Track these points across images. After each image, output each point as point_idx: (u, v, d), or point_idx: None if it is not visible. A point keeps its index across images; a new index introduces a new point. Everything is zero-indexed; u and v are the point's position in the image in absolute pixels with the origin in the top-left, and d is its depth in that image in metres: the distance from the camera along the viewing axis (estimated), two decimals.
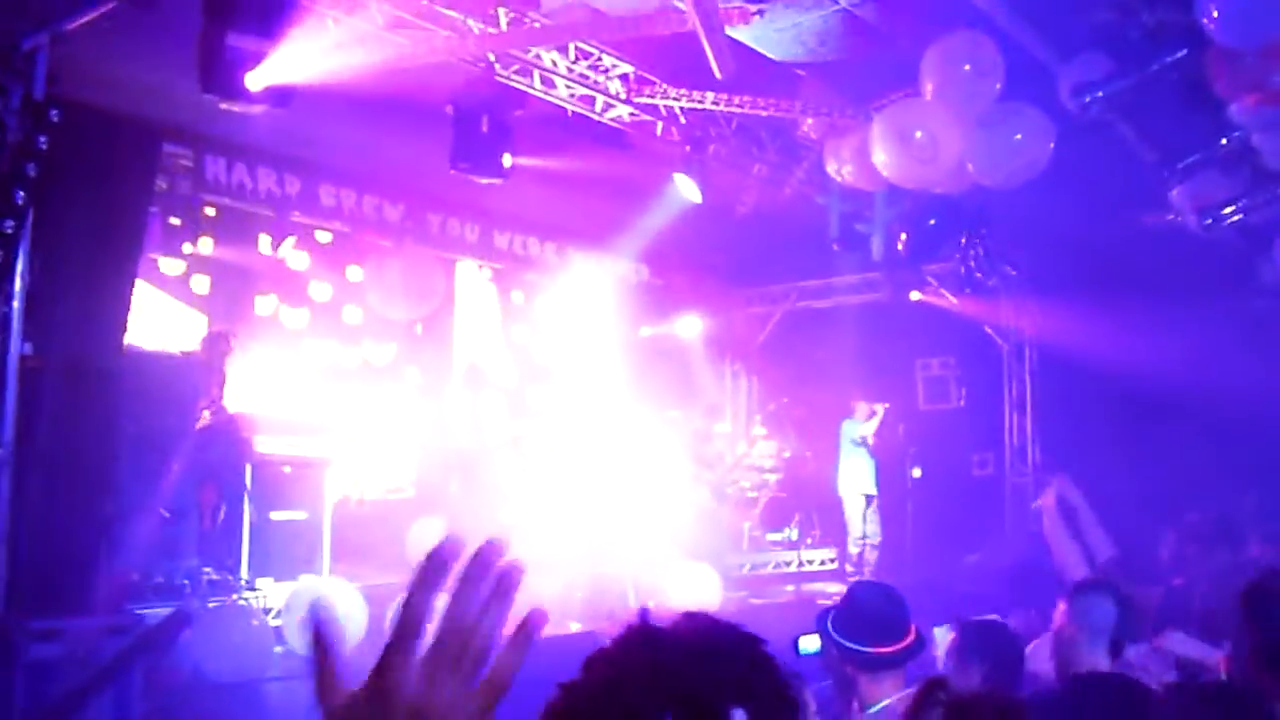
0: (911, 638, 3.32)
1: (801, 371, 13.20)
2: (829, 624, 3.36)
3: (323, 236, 10.65)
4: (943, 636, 3.71)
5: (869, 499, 11.38)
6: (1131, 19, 6.72)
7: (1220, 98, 7.27)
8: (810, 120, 8.64)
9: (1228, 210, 8.70)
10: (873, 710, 3.25)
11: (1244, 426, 10.01)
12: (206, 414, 8.37)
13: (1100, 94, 6.89)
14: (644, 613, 1.24)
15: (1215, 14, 6.06)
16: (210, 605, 7.08)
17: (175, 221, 9.12)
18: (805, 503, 12.29)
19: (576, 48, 7.77)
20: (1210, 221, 8.78)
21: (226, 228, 9.91)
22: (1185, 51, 6.56)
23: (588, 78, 8.06)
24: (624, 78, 8.25)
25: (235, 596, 7.50)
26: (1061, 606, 3.53)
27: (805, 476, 12.49)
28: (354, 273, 10.98)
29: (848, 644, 3.28)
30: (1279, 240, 9.67)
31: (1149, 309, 10.40)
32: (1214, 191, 8.64)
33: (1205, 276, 10.41)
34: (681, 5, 6.19)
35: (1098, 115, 7.40)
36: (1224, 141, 7.85)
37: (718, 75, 6.46)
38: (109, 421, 7.04)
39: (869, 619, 3.34)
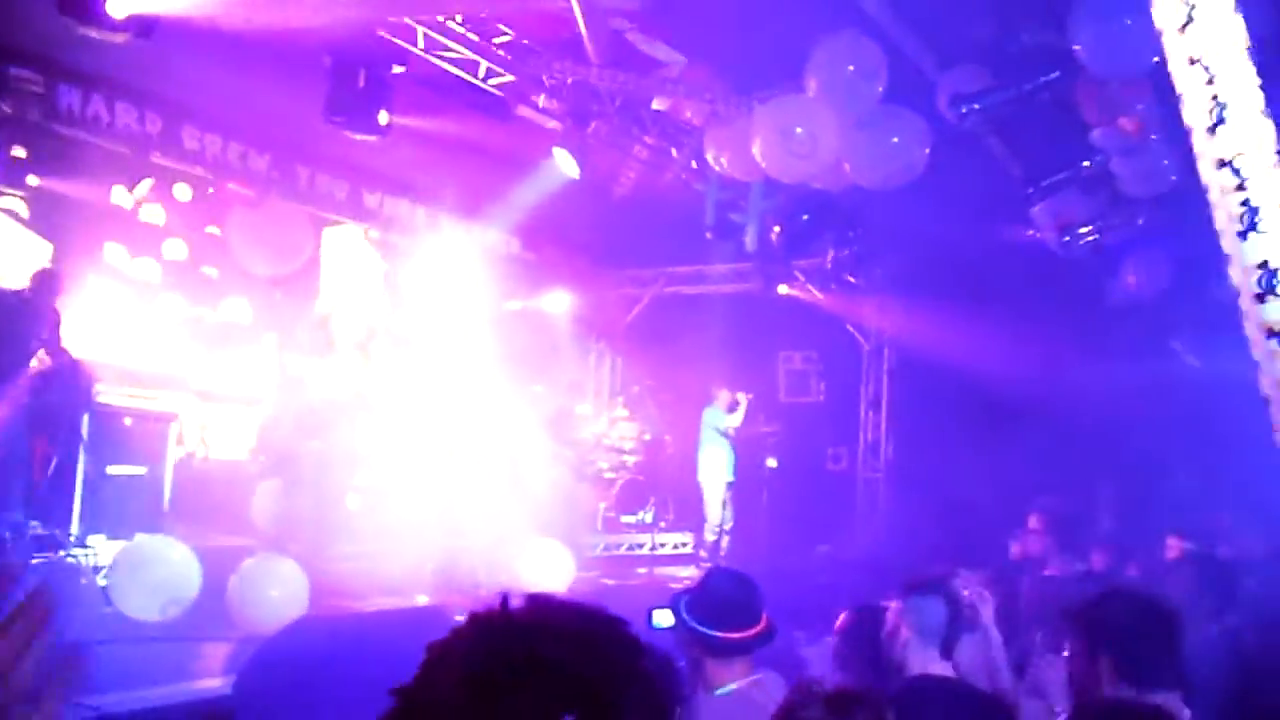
0: (762, 625, 3.35)
1: (666, 356, 13.25)
2: (682, 607, 3.38)
3: (182, 192, 10.11)
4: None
5: (728, 486, 11.50)
6: (1011, 36, 6.90)
7: (1086, 122, 7.55)
8: (692, 107, 8.63)
9: (1084, 230, 9.09)
10: (719, 693, 3.27)
11: (1086, 432, 10.49)
12: (41, 354, 7.87)
13: (976, 106, 7.06)
14: (504, 599, 1.18)
15: (1086, 42, 6.27)
16: (35, 562, 6.69)
17: (20, 151, 8.56)
18: (662, 486, 12.36)
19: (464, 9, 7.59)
20: (1068, 239, 9.16)
21: (76, 163, 9.35)
22: (1058, 74, 6.77)
23: (473, 41, 7.87)
24: (509, 45, 8.09)
25: (63, 553, 7.10)
26: (894, 606, 3.59)
27: (663, 460, 12.57)
28: (213, 230, 10.48)
29: (699, 627, 3.30)
30: (1126, 262, 10.15)
31: (1004, 318, 10.77)
32: (1074, 211, 9.01)
33: (1058, 290, 10.84)
34: None
35: (972, 127, 7.61)
36: (1086, 164, 8.17)
37: (592, 59, 6.43)
38: None
39: (721, 604, 3.36)
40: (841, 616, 3.88)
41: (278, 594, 6.68)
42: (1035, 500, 8.05)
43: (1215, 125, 4.34)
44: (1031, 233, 9.58)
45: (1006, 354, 10.62)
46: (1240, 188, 4.30)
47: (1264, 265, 4.22)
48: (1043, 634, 5.00)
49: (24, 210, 9.05)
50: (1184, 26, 4.30)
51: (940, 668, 3.40)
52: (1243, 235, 4.24)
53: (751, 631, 3.31)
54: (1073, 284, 10.67)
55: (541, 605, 1.19)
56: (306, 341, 10.23)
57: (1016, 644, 5.35)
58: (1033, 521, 7.83)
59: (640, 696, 1.15)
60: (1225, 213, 4.32)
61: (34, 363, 7.74)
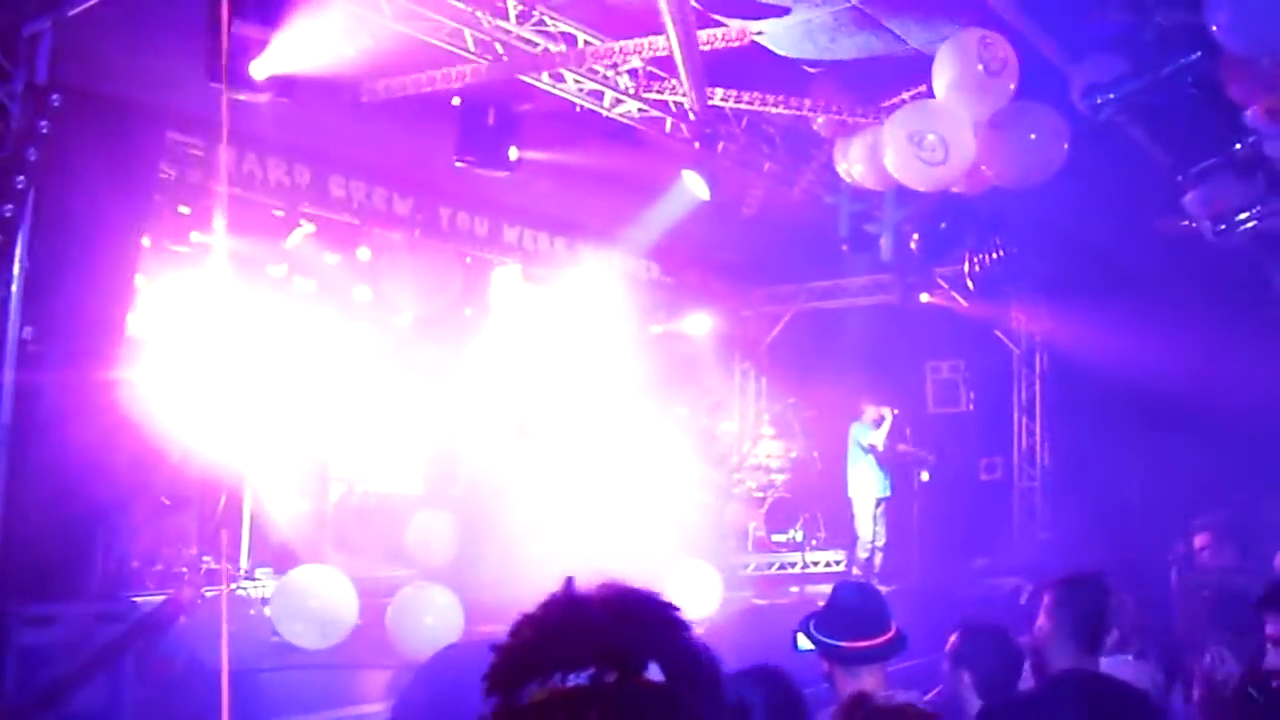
0: (890, 635, 3.38)
1: (810, 372, 13.13)
2: (811, 623, 3.39)
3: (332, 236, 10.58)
4: None
5: (879, 501, 11.30)
6: (1144, 20, 6.63)
7: (1234, 102, 7.19)
8: (820, 119, 8.57)
9: (1242, 216, 8.60)
10: None
11: (1253, 434, 9.93)
12: None
13: (1112, 95, 6.81)
14: (568, 580, 1.27)
15: (1222, 20, 5.97)
16: (208, 594, 7.07)
17: (184, 209, 9.12)
18: (811, 504, 12.24)
19: (586, 41, 7.72)
20: (1224, 228, 8.69)
21: (236, 217, 9.89)
22: (1198, 55, 6.47)
23: (597, 72, 8.01)
24: (633, 73, 8.20)
25: (233, 586, 7.50)
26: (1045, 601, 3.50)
27: (812, 477, 12.46)
28: (364, 253, 10.91)
29: (825, 639, 3.36)
30: None
31: (1160, 314, 10.31)
32: (1228, 197, 8.55)
33: (1217, 283, 10.33)
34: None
35: (1110, 117, 7.33)
36: (1238, 147, 7.77)
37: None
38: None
39: (845, 615, 3.43)
40: (952, 638, 3.77)
41: (432, 621, 6.88)
42: (1197, 519, 7.67)
43: None
44: (1185, 223, 9.13)
45: (1164, 352, 10.15)
46: None
47: None
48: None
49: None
50: None
51: (1086, 663, 3.29)
52: None
53: (876, 640, 3.34)
54: (1232, 275, 10.15)
55: (595, 587, 1.27)
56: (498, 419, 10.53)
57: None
58: (1199, 540, 7.44)
59: (671, 665, 1.21)
60: None
61: None
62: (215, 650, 6.28)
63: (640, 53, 7.51)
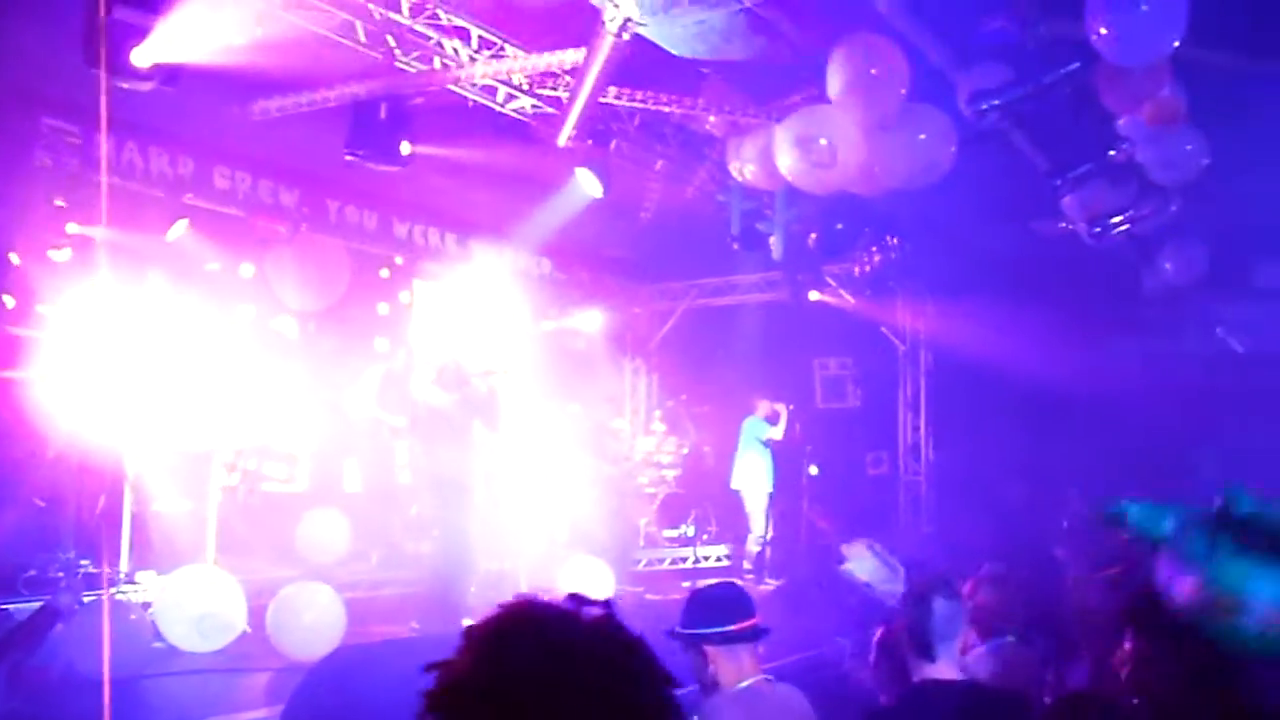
0: (757, 618, 3.48)
1: (701, 368, 13.27)
2: (677, 626, 3.47)
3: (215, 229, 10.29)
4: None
5: (768, 495, 11.46)
6: (1028, 30, 6.86)
7: (1109, 110, 7.49)
8: (713, 118, 8.64)
9: (1115, 220, 8.99)
10: (738, 688, 3.36)
11: (1128, 427, 10.36)
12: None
13: (996, 102, 7.03)
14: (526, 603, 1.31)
15: (1103, 31, 6.22)
16: (86, 599, 6.81)
17: (60, 201, 8.76)
18: (702, 499, 12.35)
19: (480, 37, 7.65)
20: (1099, 230, 9.07)
21: (116, 208, 9.55)
22: (1078, 65, 6.72)
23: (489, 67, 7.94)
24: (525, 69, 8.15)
25: (113, 590, 7.24)
26: None
27: (703, 473, 12.57)
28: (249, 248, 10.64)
29: (699, 630, 3.42)
30: (1162, 250, 10.04)
31: (1041, 313, 10.69)
32: (1103, 202, 8.92)
33: (1094, 283, 10.75)
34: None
35: (994, 123, 7.56)
36: (1112, 154, 8.09)
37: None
38: None
39: (716, 605, 3.51)
40: (879, 631, 3.89)
41: (312, 619, 6.76)
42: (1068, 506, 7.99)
43: None
44: (1063, 225, 9.49)
45: (1045, 349, 10.54)
46: None
47: None
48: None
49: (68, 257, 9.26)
50: None
51: (933, 670, 3.37)
52: None
53: (752, 622, 3.44)
54: (1108, 275, 10.58)
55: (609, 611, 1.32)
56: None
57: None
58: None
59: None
60: None
61: None
62: (93, 657, 6.09)
63: (549, 69, 7.54)
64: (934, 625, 3.37)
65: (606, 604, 1.31)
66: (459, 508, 7.83)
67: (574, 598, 1.32)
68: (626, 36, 6.35)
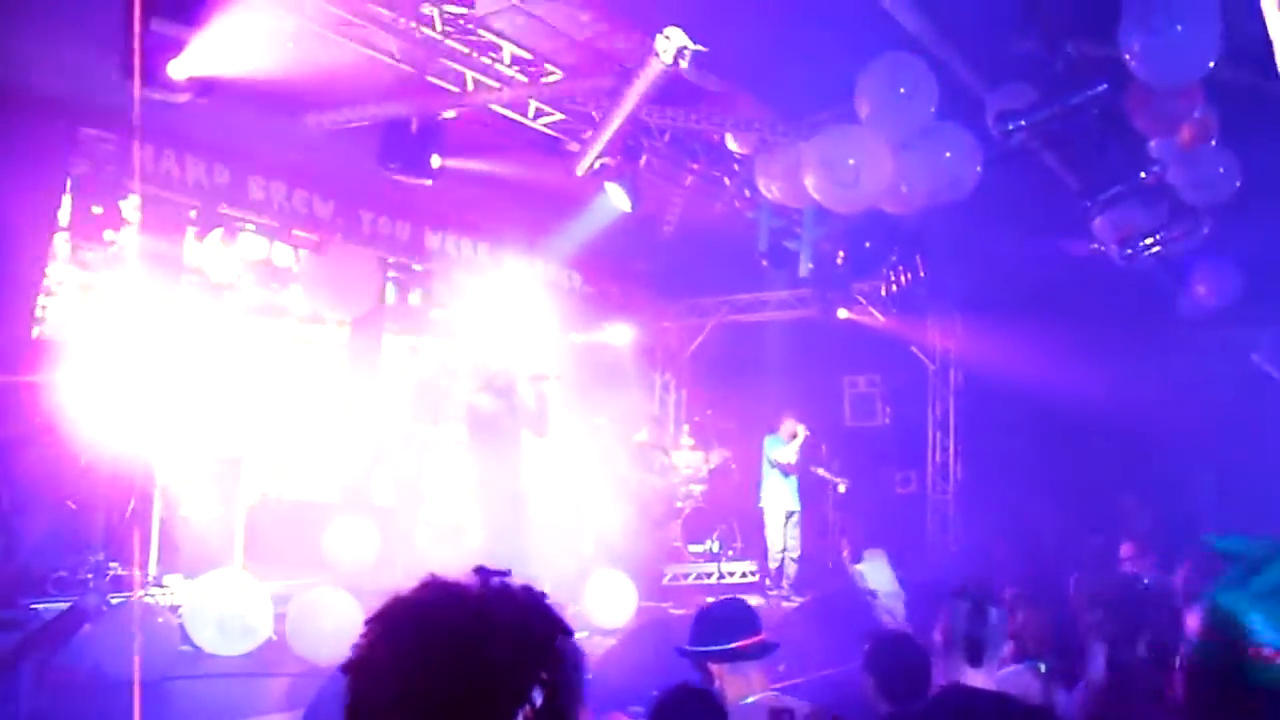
0: (762, 636, 3.54)
1: (730, 384, 13.27)
2: (685, 644, 3.56)
3: (249, 239, 10.48)
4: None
5: (789, 514, 11.43)
6: (1056, 51, 6.84)
7: (1140, 132, 7.45)
8: (742, 135, 8.68)
9: (1147, 241, 8.92)
10: (744, 702, 3.40)
11: (1158, 450, 10.27)
12: None
13: (1024, 122, 7.00)
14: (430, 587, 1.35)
15: (1135, 53, 6.19)
16: (114, 601, 6.92)
17: (97, 209, 8.92)
18: (728, 515, 12.34)
19: (512, 52, 7.74)
20: (1130, 252, 9.01)
21: (151, 217, 9.73)
22: (1106, 86, 6.69)
23: (522, 82, 8.02)
24: (558, 84, 8.22)
25: (141, 593, 7.34)
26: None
27: (729, 488, 12.56)
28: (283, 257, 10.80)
29: (705, 647, 3.49)
30: (1194, 272, 9.95)
31: (1071, 333, 10.63)
32: (1134, 223, 8.86)
33: (1125, 304, 10.67)
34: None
35: (1022, 143, 7.54)
36: (1143, 175, 8.04)
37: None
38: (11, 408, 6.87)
39: (721, 622, 3.57)
40: (868, 646, 3.89)
41: (332, 625, 6.81)
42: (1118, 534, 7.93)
43: None
44: (1094, 246, 9.44)
45: (1075, 370, 10.47)
46: None
47: None
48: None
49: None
50: None
51: (971, 677, 3.37)
52: None
53: (756, 639, 3.51)
54: (1140, 297, 10.50)
55: (487, 580, 1.36)
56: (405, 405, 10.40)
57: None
58: (1124, 549, 7.71)
59: (579, 662, 1.32)
60: None
61: None
62: (120, 659, 6.18)
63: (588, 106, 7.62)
64: (988, 633, 3.40)
65: (500, 575, 1.37)
66: (515, 518, 7.92)
67: (479, 571, 1.38)
68: (684, 64, 6.40)
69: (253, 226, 10.34)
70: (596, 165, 8.02)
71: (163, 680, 6.41)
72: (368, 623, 1.35)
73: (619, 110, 7.13)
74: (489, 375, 8.47)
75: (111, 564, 7.48)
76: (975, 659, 3.36)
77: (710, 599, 10.66)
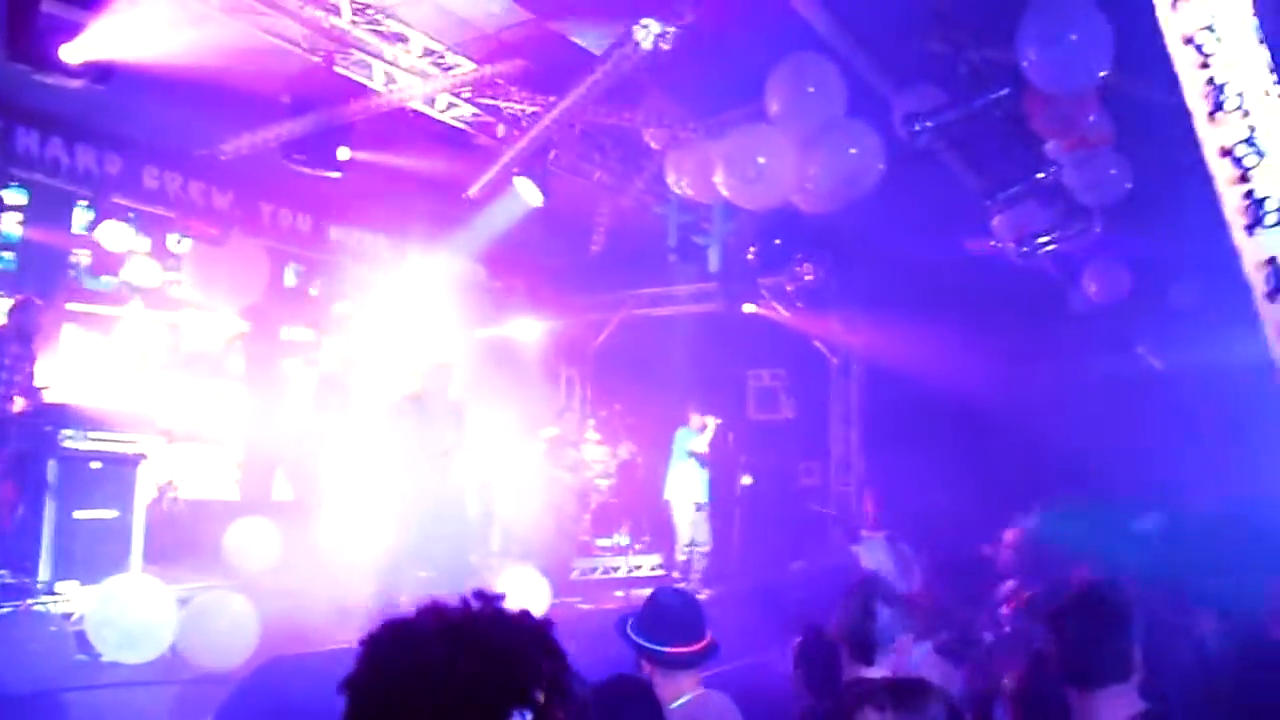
0: (706, 641, 3.52)
1: (636, 378, 13.30)
2: (629, 625, 3.52)
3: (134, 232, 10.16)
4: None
5: (699, 506, 11.50)
6: (960, 54, 7.01)
7: (1038, 134, 7.68)
8: (653, 131, 8.70)
9: (1043, 240, 9.22)
10: (673, 706, 3.37)
11: (1054, 437, 10.60)
12: (20, 401, 7.83)
13: (929, 124, 7.16)
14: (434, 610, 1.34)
15: (1032, 58, 6.38)
16: (4, 610, 6.64)
17: None
18: (635, 508, 12.38)
19: (423, 44, 7.63)
20: (1027, 250, 9.29)
21: (38, 206, 9.37)
22: (1007, 90, 6.88)
23: (431, 75, 7.92)
24: (466, 78, 8.14)
25: (33, 601, 7.04)
26: None
27: (635, 482, 12.60)
28: (177, 245, 10.49)
29: (647, 643, 3.45)
30: (1086, 271, 10.30)
31: (970, 329, 10.89)
32: (1031, 222, 9.15)
33: (1021, 300, 10.98)
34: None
35: (928, 144, 7.70)
36: (1041, 176, 8.29)
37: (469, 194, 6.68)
38: None
39: (666, 621, 3.52)
40: (796, 641, 3.94)
41: (226, 628, 6.64)
42: (1015, 516, 8.16)
43: (1214, 110, 4.26)
44: (993, 244, 9.71)
45: (974, 364, 10.74)
46: (1243, 179, 4.13)
47: (1272, 262, 4.06)
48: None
49: None
50: (1176, 2, 4.25)
51: (867, 673, 3.42)
52: (1249, 229, 4.07)
53: (696, 647, 3.47)
54: (1035, 293, 10.82)
55: (489, 602, 1.36)
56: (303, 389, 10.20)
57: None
58: (1008, 535, 7.93)
59: (575, 685, 1.33)
60: (1230, 206, 4.14)
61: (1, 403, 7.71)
62: (13, 671, 5.94)
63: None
64: (877, 632, 3.40)
65: (496, 600, 1.37)
66: (426, 514, 7.87)
67: (477, 595, 1.37)
68: (665, 47, 6.39)
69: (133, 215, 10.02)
70: (488, 186, 8.02)
71: (57, 691, 6.18)
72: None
73: (562, 104, 7.06)
74: (423, 372, 8.43)
75: (1, 571, 7.17)
76: (866, 657, 3.37)
77: (619, 593, 10.71)
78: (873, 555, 7.83)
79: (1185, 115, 7.31)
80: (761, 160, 7.47)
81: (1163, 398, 10.63)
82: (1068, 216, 9.01)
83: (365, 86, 7.72)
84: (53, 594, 7.20)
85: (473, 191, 8.06)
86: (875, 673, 3.41)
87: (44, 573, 7.30)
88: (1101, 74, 6.53)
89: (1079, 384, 11.10)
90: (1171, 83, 7.37)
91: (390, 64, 7.56)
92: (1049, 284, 10.67)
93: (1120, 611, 2.79)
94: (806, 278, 10.72)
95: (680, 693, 3.43)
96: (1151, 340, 11.46)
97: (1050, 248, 9.25)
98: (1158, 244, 9.82)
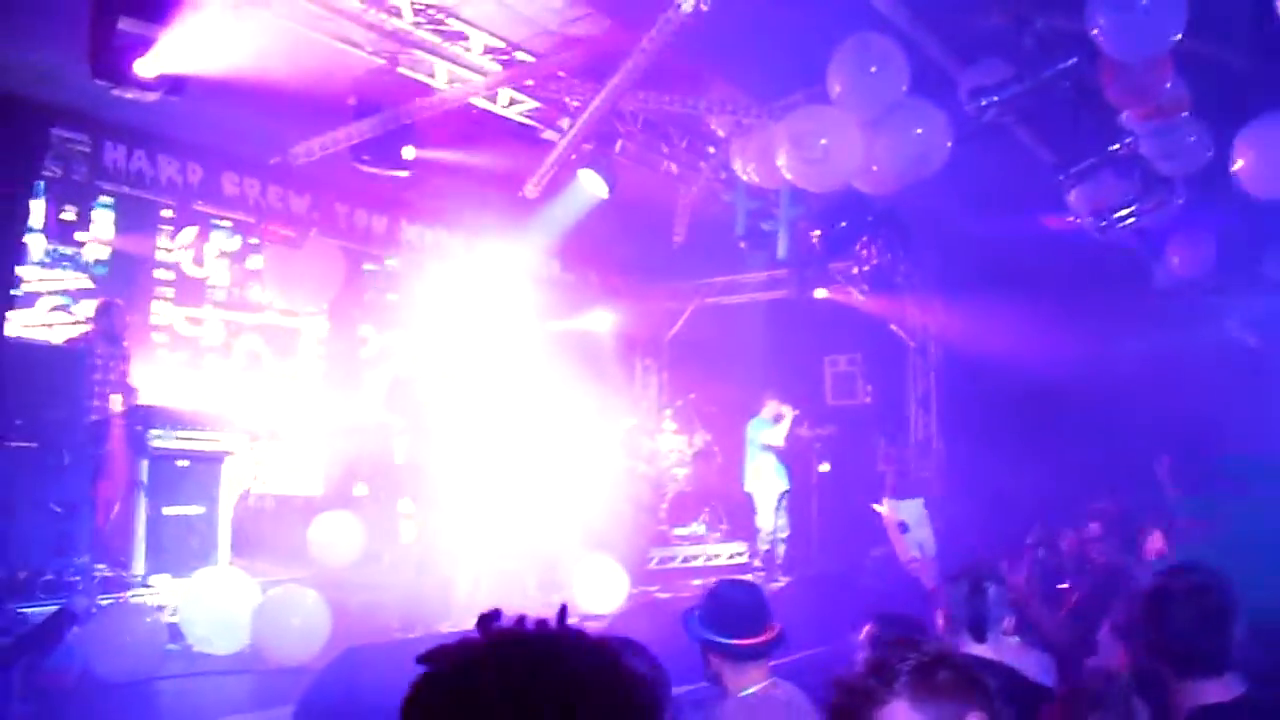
0: (773, 632, 3.50)
1: (710, 367, 13.30)
2: (695, 618, 3.52)
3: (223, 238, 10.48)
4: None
5: (781, 495, 11.46)
6: (1025, 26, 6.87)
7: (1112, 104, 7.49)
8: (717, 118, 8.68)
9: (1122, 213, 8.96)
10: (741, 695, 3.41)
11: (1138, 423, 10.33)
12: (117, 399, 8.15)
13: (996, 98, 7.02)
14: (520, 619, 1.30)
15: (1101, 24, 6.23)
16: (102, 603, 6.90)
17: (70, 210, 8.91)
18: (711, 497, 12.39)
19: (484, 42, 7.71)
20: (1105, 224, 9.04)
21: (125, 217, 9.72)
22: (1076, 59, 6.72)
23: (494, 71, 8.00)
24: (530, 72, 8.21)
25: (129, 594, 7.32)
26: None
27: (712, 471, 12.60)
28: (255, 261, 10.81)
29: (715, 638, 3.45)
30: (1169, 243, 10.01)
31: (1049, 307, 10.67)
32: (1109, 195, 8.90)
33: (1102, 277, 10.72)
34: None
35: (995, 119, 7.56)
36: (1116, 147, 8.07)
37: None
38: None
39: (731, 613, 3.50)
40: (865, 628, 3.92)
41: (299, 623, 6.79)
42: (1091, 505, 7.99)
43: None
44: (1070, 219, 9.48)
45: (1054, 344, 10.52)
46: None
47: None
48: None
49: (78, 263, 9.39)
50: None
51: (975, 650, 3.44)
52: None
53: (762, 638, 3.45)
54: (1117, 269, 10.55)
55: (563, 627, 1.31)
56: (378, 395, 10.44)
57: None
58: (1091, 529, 7.77)
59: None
60: None
61: (95, 412, 8.03)
62: (110, 660, 6.18)
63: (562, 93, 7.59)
64: (987, 610, 3.57)
65: (579, 632, 1.32)
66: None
67: (560, 618, 1.34)
68: (705, 8, 6.41)
69: (229, 223, 10.34)
70: (544, 183, 8.10)
71: (151, 680, 6.41)
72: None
73: (611, 83, 7.08)
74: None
75: (98, 565, 7.46)
76: (979, 635, 3.54)
77: (697, 581, 10.73)
78: (909, 510, 7.66)
79: (1266, 76, 7.12)
80: (824, 141, 7.41)
81: (1256, 376, 10.31)
82: (1147, 188, 8.75)
83: (429, 86, 7.83)
84: (147, 587, 7.48)
85: (530, 189, 8.12)
86: (983, 650, 3.45)
87: (138, 566, 7.58)
88: (1175, 38, 6.34)
89: (1166, 363, 10.79)
90: (1249, 45, 7.17)
91: (452, 62, 7.65)
92: (1132, 259, 10.39)
93: (1227, 602, 2.72)
94: (876, 260, 10.58)
95: (749, 683, 3.43)
96: (1243, 315, 11.10)
97: (1130, 221, 8.98)
98: (1246, 214, 9.49)
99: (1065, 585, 7.03)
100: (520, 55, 7.98)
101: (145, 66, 6.13)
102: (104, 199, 9.55)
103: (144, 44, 6.07)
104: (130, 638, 6.46)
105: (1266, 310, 10.61)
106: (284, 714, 5.43)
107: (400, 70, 7.51)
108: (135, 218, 9.83)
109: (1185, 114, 7.70)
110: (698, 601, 3.66)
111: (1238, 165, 7.69)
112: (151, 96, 6.39)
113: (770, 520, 11.35)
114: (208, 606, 7.02)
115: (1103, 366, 10.76)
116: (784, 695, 3.47)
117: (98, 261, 9.73)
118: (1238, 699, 2.56)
